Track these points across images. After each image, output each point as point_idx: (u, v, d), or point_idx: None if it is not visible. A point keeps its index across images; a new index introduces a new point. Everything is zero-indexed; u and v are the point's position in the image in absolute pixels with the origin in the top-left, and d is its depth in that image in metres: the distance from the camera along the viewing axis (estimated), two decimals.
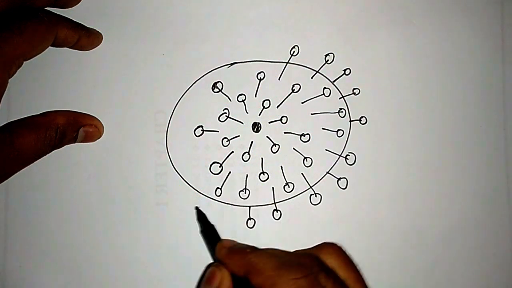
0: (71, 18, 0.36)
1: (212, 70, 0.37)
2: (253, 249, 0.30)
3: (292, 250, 0.36)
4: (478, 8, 0.38)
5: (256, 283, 0.28)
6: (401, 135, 0.37)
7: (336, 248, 0.31)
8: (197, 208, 0.36)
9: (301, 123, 0.37)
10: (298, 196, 0.36)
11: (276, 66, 0.37)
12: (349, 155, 0.37)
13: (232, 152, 0.37)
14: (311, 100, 0.37)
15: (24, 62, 0.34)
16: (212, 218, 0.36)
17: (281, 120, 0.37)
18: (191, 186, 0.37)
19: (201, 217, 0.35)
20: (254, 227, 0.36)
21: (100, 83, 0.37)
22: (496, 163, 0.37)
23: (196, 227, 0.36)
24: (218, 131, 0.37)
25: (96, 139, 0.37)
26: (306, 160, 0.36)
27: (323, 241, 0.31)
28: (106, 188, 0.37)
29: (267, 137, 0.37)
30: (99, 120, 0.36)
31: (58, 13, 0.35)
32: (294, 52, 0.37)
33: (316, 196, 0.36)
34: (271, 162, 0.37)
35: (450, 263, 0.36)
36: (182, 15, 0.38)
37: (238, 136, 0.37)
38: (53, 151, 0.35)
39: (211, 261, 0.36)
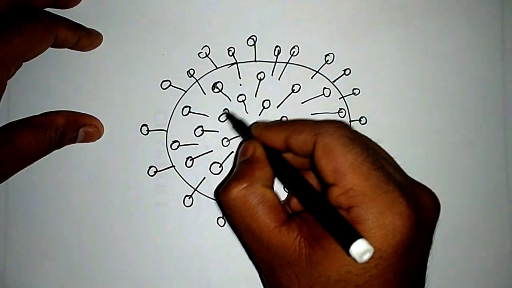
0: (71, 18, 0.36)
1: (212, 70, 0.37)
2: (288, 120, 0.31)
3: None
4: (478, 8, 0.37)
5: (297, 143, 0.28)
6: (401, 135, 0.37)
7: None
8: (225, 110, 0.36)
9: None
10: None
11: (276, 66, 0.37)
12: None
13: (232, 152, 0.37)
14: (311, 100, 0.37)
15: (24, 62, 0.34)
16: (212, 218, 0.36)
17: (281, 120, 0.37)
18: (191, 186, 0.37)
19: (229, 116, 0.36)
20: None
21: (100, 83, 0.37)
22: (496, 163, 0.37)
23: (195, 227, 0.36)
24: (218, 131, 0.37)
25: (96, 139, 0.37)
26: None
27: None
28: (106, 188, 0.37)
29: None
30: (99, 120, 0.36)
31: (58, 13, 0.35)
32: (294, 52, 0.37)
33: None
34: None
35: (450, 263, 0.36)
36: (182, 15, 0.38)
37: (238, 136, 0.37)
38: (53, 151, 0.35)
39: (211, 261, 0.36)
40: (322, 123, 0.29)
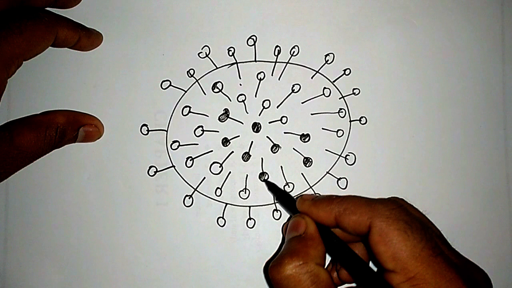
0: (71, 18, 0.36)
1: (212, 70, 0.37)
2: (337, 196, 0.30)
3: None
4: (478, 8, 0.37)
5: (349, 223, 0.28)
6: (401, 135, 0.37)
7: (403, 199, 0.31)
8: (265, 181, 0.36)
9: (301, 123, 0.37)
10: (298, 196, 0.36)
11: (276, 66, 0.37)
12: (349, 155, 0.37)
13: (232, 152, 0.37)
14: (311, 100, 0.37)
15: (24, 62, 0.34)
16: (212, 218, 0.36)
17: (281, 120, 0.37)
18: (191, 186, 0.37)
19: (271, 186, 0.35)
20: (254, 227, 0.36)
21: (100, 83, 0.37)
22: (496, 163, 0.37)
23: (194, 227, 0.36)
24: (218, 131, 0.37)
25: (96, 139, 0.37)
26: (306, 160, 0.36)
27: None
28: (106, 188, 0.37)
29: (267, 137, 0.37)
30: (99, 120, 0.36)
31: (58, 13, 0.35)
32: (294, 52, 0.37)
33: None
34: (271, 162, 0.37)
35: None
36: (182, 15, 0.38)
37: (238, 136, 0.37)
38: (53, 151, 0.35)
39: (210, 261, 0.36)
40: (376, 204, 0.28)
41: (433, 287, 0.26)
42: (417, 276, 0.26)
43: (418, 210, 0.31)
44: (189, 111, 0.37)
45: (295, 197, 0.34)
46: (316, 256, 0.29)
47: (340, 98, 0.37)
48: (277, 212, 0.36)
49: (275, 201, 0.36)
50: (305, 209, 0.31)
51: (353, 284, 0.32)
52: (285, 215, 0.36)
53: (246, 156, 0.37)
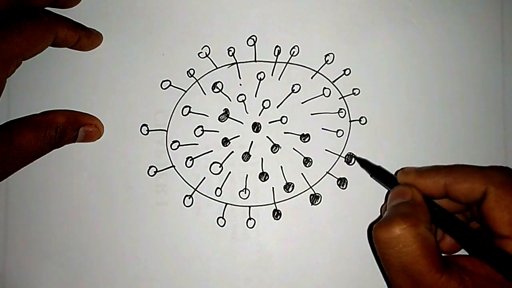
0: (71, 18, 0.36)
1: (212, 70, 0.37)
2: (442, 166, 0.30)
3: (292, 250, 0.36)
4: (478, 8, 0.37)
5: (462, 191, 0.28)
6: (401, 135, 0.37)
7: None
8: (354, 156, 0.36)
9: (301, 123, 0.37)
10: (298, 196, 0.36)
11: (276, 66, 0.37)
12: (349, 155, 0.37)
13: (232, 152, 0.37)
14: (311, 100, 0.37)
15: (23, 61, 0.34)
16: (212, 218, 0.36)
17: (281, 120, 0.37)
18: (191, 186, 0.37)
19: (364, 163, 0.35)
20: (254, 227, 0.36)
21: (100, 83, 0.37)
22: (496, 163, 0.37)
23: (194, 227, 0.36)
24: (218, 131, 0.37)
25: (96, 139, 0.37)
26: (306, 160, 0.36)
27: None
28: (106, 188, 0.37)
29: (267, 137, 0.37)
30: (99, 120, 0.37)
31: (58, 13, 0.35)
32: (294, 52, 0.37)
33: (316, 196, 0.36)
34: (271, 162, 0.37)
35: None
36: (182, 15, 0.38)
37: (238, 136, 0.37)
38: (53, 151, 0.35)
39: (210, 261, 0.36)
40: (490, 171, 0.28)
41: None
42: None
43: None
44: (189, 111, 0.37)
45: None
46: (426, 221, 0.28)
47: (340, 98, 0.37)
48: (277, 212, 0.36)
49: (372, 176, 0.35)
50: (410, 180, 0.30)
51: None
52: (286, 216, 0.36)
53: (246, 156, 0.37)
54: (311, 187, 0.36)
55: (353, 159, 0.36)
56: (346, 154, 0.36)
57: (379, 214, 0.36)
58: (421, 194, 0.30)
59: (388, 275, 0.29)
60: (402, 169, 0.32)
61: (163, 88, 0.37)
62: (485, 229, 0.29)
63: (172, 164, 0.37)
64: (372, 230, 0.29)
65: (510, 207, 0.27)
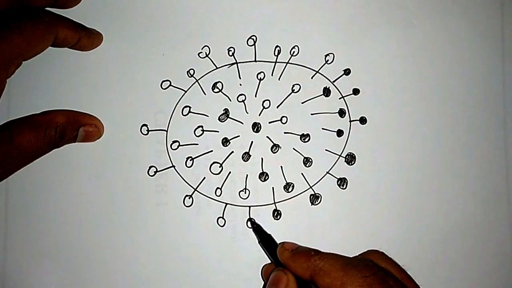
0: (71, 18, 0.36)
1: (212, 70, 0.37)
2: (316, 251, 0.30)
3: None
4: (478, 8, 0.37)
5: (323, 284, 0.28)
6: (401, 135, 0.37)
7: (383, 253, 0.32)
8: (250, 220, 0.36)
9: (301, 123, 0.37)
10: (298, 196, 0.36)
11: (276, 66, 0.37)
12: (349, 155, 0.37)
13: (232, 152, 0.37)
14: (311, 100, 0.37)
15: (24, 61, 0.34)
16: (212, 218, 0.36)
17: (281, 120, 0.37)
18: (191, 186, 0.37)
19: (257, 228, 0.35)
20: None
21: (100, 83, 0.37)
22: (496, 163, 0.37)
23: (194, 227, 0.36)
24: (218, 131, 0.37)
25: (96, 139, 0.37)
26: (306, 160, 0.36)
27: (366, 250, 0.33)
28: (106, 188, 0.37)
29: (267, 137, 0.37)
30: (99, 120, 0.37)
31: (58, 13, 0.35)
32: (294, 52, 0.37)
33: (316, 196, 0.36)
34: (271, 162, 0.37)
35: (450, 263, 0.36)
36: (182, 15, 0.38)
37: (238, 136, 0.37)
38: (53, 151, 0.35)
39: (211, 261, 0.36)
40: (351, 270, 0.28)
41: None
42: None
43: (398, 267, 0.30)
44: (189, 111, 0.37)
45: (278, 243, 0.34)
46: None
47: (340, 98, 0.37)
48: (277, 212, 0.36)
49: (260, 244, 0.35)
50: (283, 260, 0.31)
51: None
52: (286, 216, 0.36)
53: (246, 156, 0.37)
54: (311, 187, 0.36)
55: (250, 223, 0.36)
56: (346, 154, 0.36)
57: (378, 214, 0.36)
58: (295, 284, 0.30)
59: None
60: (282, 243, 0.32)
61: (163, 88, 0.37)
62: None
63: (172, 164, 0.37)
64: None
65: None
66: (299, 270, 0.30)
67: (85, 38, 0.36)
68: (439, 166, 0.37)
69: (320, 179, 0.36)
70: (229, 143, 0.37)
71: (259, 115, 0.37)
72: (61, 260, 0.36)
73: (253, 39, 0.37)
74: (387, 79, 0.37)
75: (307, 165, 0.36)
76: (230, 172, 0.37)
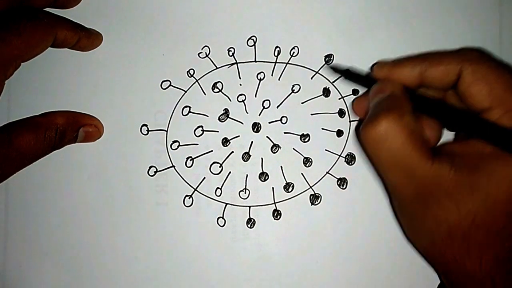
0: (71, 18, 0.36)
1: (212, 70, 0.37)
2: (415, 55, 0.30)
3: (292, 250, 0.36)
4: (477, 8, 0.37)
5: (437, 74, 0.28)
6: None
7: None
8: (329, 60, 0.36)
9: (301, 123, 0.37)
10: (298, 196, 0.36)
11: (276, 66, 0.37)
12: (349, 155, 0.37)
13: (232, 152, 0.37)
14: (311, 100, 0.37)
15: (23, 63, 0.34)
16: (212, 218, 0.36)
17: (281, 120, 0.37)
18: (191, 186, 0.37)
19: (341, 72, 0.34)
20: (254, 227, 0.36)
21: (100, 83, 0.37)
22: None
23: (194, 227, 0.36)
24: (218, 131, 0.37)
25: (96, 139, 0.37)
26: (306, 160, 0.37)
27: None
28: (106, 188, 0.37)
29: (267, 137, 0.37)
30: (99, 120, 0.37)
31: (57, 13, 0.35)
32: (294, 52, 0.37)
33: (316, 196, 0.36)
34: (271, 162, 0.37)
35: None
36: (182, 15, 0.38)
37: (238, 136, 0.37)
38: (53, 151, 0.35)
39: (210, 261, 0.36)
40: (463, 51, 0.29)
41: None
42: None
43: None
44: (189, 111, 0.37)
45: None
46: (409, 111, 0.28)
47: (340, 98, 0.37)
48: (277, 212, 0.36)
49: (347, 78, 0.34)
50: (385, 73, 0.30)
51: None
52: (286, 216, 0.36)
53: (246, 156, 0.37)
54: (311, 187, 0.36)
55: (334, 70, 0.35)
56: (346, 154, 0.37)
57: (378, 214, 0.36)
58: (400, 85, 0.30)
59: (381, 173, 0.29)
60: (377, 62, 0.32)
61: (163, 88, 0.37)
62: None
63: (172, 164, 0.37)
64: (359, 131, 0.29)
65: (487, 78, 0.27)
66: (407, 73, 0.29)
67: (85, 38, 0.36)
68: None
69: (320, 179, 0.36)
70: (229, 143, 0.37)
71: (259, 115, 0.37)
72: (61, 260, 0.36)
73: (253, 39, 0.37)
74: None
75: (307, 165, 0.36)
76: (230, 172, 0.37)
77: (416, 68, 0.29)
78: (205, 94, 0.37)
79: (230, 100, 0.37)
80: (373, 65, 0.32)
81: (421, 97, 0.30)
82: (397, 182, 0.29)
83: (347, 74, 0.34)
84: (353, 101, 0.35)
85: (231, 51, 0.37)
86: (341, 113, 0.37)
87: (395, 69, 0.30)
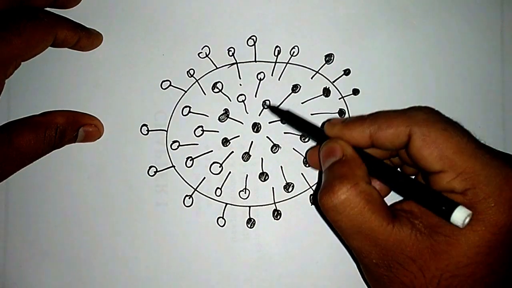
0: (71, 18, 0.36)
1: (212, 70, 0.37)
2: (366, 115, 0.30)
3: (292, 250, 0.36)
4: (478, 8, 0.37)
5: (387, 137, 0.28)
6: None
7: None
8: (270, 107, 0.36)
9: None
10: (298, 196, 0.36)
11: (276, 66, 0.37)
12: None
13: (232, 152, 0.37)
14: (311, 100, 0.37)
15: (23, 62, 0.34)
16: (212, 218, 0.36)
17: (281, 120, 0.37)
18: (191, 186, 0.37)
19: (284, 114, 0.34)
20: (254, 227, 0.36)
21: (100, 83, 0.37)
22: None
23: (194, 227, 0.36)
24: (218, 131, 0.37)
25: (96, 139, 0.37)
26: (306, 160, 0.36)
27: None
28: (106, 188, 0.37)
29: (267, 137, 0.37)
30: (99, 120, 0.37)
31: (58, 13, 0.35)
32: (294, 52, 0.37)
33: (316, 196, 0.36)
34: (271, 162, 0.37)
35: None
36: (182, 15, 0.38)
37: (238, 136, 0.37)
38: (53, 151, 0.35)
39: (210, 261, 0.36)
40: (411, 112, 0.28)
41: (483, 177, 0.26)
42: (467, 170, 0.26)
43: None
44: (189, 111, 0.37)
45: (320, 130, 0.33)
46: (363, 176, 0.28)
47: (340, 98, 0.37)
48: (277, 212, 0.36)
49: (299, 129, 0.34)
50: (336, 133, 0.30)
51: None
52: (286, 216, 0.36)
53: (246, 156, 0.37)
54: (311, 187, 0.36)
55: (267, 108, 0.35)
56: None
57: None
58: (350, 148, 0.29)
59: (345, 239, 0.29)
60: (328, 120, 0.31)
61: (163, 88, 0.37)
62: (418, 169, 0.30)
63: (172, 164, 0.37)
64: (318, 200, 0.28)
65: (437, 142, 0.27)
66: (357, 135, 0.29)
67: (85, 38, 0.36)
68: None
69: (320, 179, 0.36)
70: (229, 143, 0.37)
71: (259, 115, 0.37)
72: (61, 260, 0.36)
73: (253, 39, 0.37)
74: (387, 79, 0.37)
75: (307, 165, 0.36)
76: (230, 172, 0.37)
77: (366, 131, 0.29)
78: (205, 94, 0.37)
79: (230, 100, 0.37)
80: (323, 123, 0.32)
81: (371, 161, 0.29)
82: (360, 247, 0.28)
83: (301, 125, 0.34)
84: (307, 152, 0.35)
85: (231, 51, 0.37)
86: (341, 113, 0.37)
87: (346, 130, 0.30)
